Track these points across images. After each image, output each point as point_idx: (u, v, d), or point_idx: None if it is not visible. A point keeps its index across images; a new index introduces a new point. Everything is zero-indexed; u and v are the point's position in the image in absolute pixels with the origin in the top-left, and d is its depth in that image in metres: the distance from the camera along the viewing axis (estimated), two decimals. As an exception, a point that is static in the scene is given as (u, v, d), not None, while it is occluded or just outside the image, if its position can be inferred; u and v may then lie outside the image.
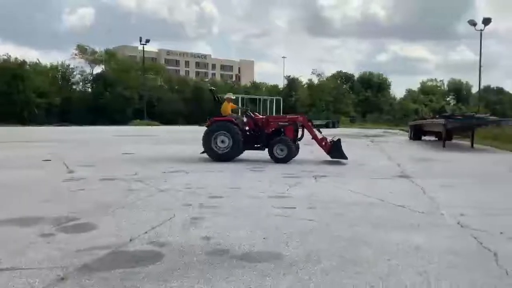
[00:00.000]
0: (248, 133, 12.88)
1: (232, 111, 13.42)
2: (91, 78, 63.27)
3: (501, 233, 4.98)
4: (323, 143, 12.51)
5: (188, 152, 14.93)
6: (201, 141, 12.64)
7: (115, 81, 58.37)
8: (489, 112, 36.75)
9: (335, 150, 12.34)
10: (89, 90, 62.78)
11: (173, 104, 60.06)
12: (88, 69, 63.46)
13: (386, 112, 70.09)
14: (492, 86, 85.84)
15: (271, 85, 78.15)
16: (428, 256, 4.17)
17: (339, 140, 12.57)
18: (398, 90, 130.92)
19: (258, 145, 12.74)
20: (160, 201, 6.68)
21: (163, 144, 19.98)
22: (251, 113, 13.41)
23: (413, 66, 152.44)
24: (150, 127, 44.59)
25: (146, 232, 4.83)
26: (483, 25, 32.32)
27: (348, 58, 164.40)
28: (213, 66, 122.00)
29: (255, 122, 13.00)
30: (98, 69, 64.94)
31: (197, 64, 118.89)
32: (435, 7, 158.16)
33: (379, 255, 4.17)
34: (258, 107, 64.03)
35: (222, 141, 12.33)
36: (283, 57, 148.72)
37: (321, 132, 12.90)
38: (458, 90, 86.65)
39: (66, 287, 3.40)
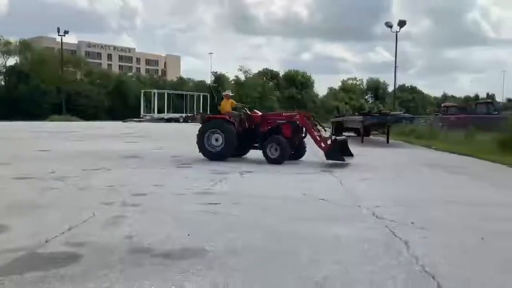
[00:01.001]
0: (248, 132, 12.16)
1: (234, 108, 12.71)
2: (4, 70, 58.91)
3: (412, 222, 5.34)
4: (322, 144, 11.37)
5: (111, 149, 14.42)
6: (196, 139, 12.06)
7: (30, 74, 54.80)
8: (403, 110, 39.19)
9: (333, 151, 11.23)
10: (2, 83, 58.44)
11: (94, 98, 57.58)
12: (0, 61, 59.06)
13: (310, 109, 72.32)
14: (406, 85, 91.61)
15: (198, 81, 77.58)
16: (346, 246, 4.38)
17: (342, 141, 11.92)
18: (321, 88, 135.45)
19: (256, 145, 12.08)
20: (79, 200, 6.39)
21: (84, 141, 19.10)
22: (247, 110, 12.68)
23: (334, 65, 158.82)
24: (69, 123, 42.43)
25: (63, 233, 4.60)
26: (398, 27, 34.37)
27: (273, 56, 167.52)
28: (138, 60, 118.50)
29: (250, 120, 12.27)
30: (12, 61, 60.65)
31: (121, 58, 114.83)
32: (354, 8, 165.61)
33: (301, 246, 4.31)
34: (185, 103, 63.41)
35: (216, 140, 11.82)
36: (210, 53, 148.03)
37: (325, 131, 12.33)
38: (376, 88, 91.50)
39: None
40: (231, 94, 13.23)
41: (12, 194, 6.74)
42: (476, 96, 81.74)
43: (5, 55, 59.40)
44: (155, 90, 61.36)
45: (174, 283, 3.37)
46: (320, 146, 11.42)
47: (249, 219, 5.38)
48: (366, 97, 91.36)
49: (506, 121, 16.07)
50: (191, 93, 66.39)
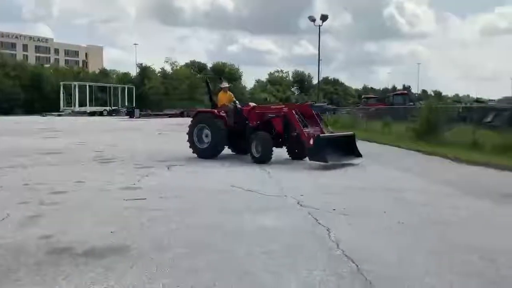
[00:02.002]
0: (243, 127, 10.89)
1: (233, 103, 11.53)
2: None
3: (334, 209, 5.57)
4: (310, 140, 9.56)
5: (28, 145, 13.57)
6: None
7: None
8: (327, 101, 40.61)
9: (314, 150, 9.51)
10: None
11: (8, 92, 53.73)
12: None
13: (239, 101, 72.63)
14: (330, 78, 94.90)
15: (122, 73, 74.96)
16: (273, 235, 4.47)
17: (330, 139, 9.99)
18: (248, 80, 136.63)
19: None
20: (-9, 200, 5.96)
21: (-3, 137, 17.78)
22: (237, 104, 11.48)
23: (261, 57, 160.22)
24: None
25: (-29, 236, 4.27)
26: (321, 21, 35.40)
27: (200, 48, 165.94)
28: (56, 51, 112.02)
29: (240, 114, 11.05)
30: None
31: (37, 49, 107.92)
32: (280, 2, 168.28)
33: (228, 238, 4.34)
34: (108, 96, 61.05)
35: (206, 136, 10.98)
36: (135, 44, 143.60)
37: (327, 126, 10.90)
38: (302, 81, 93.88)
39: None
40: (227, 85, 11.97)
41: None
42: (394, 88, 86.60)
43: None
44: (76, 83, 58.47)
45: (95, 282, 3.25)
46: (307, 144, 9.67)
47: (175, 214, 5.31)
48: (293, 89, 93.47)
49: (419, 111, 17.18)
50: (115, 85, 64.03)
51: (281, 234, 4.53)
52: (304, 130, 9.81)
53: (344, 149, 10.19)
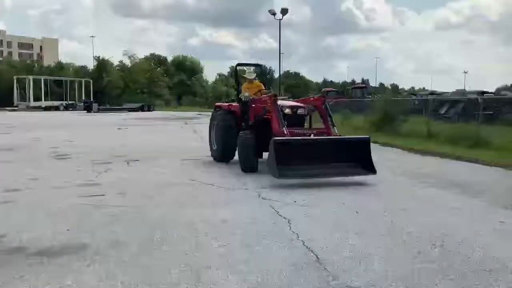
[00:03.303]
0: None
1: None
2: None
3: (295, 201, 5.65)
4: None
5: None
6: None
7: None
8: (288, 95, 40.77)
9: (268, 158, 6.98)
10: None
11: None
12: None
13: (200, 95, 72.05)
14: (291, 71, 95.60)
15: (79, 66, 72.73)
16: (233, 228, 4.49)
17: (279, 143, 6.80)
18: (210, 74, 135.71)
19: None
20: None
21: None
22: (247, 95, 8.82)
23: (222, 51, 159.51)
24: None
25: None
26: (281, 14, 35.53)
27: (159, 41, 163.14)
28: (9, 44, 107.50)
29: (245, 108, 8.82)
30: None
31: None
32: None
33: (187, 232, 4.32)
34: (65, 90, 59.14)
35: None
36: (92, 37, 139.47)
37: (332, 122, 7.87)
38: (263, 74, 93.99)
39: None
40: (253, 75, 9.75)
41: None
42: (353, 81, 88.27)
43: None
44: (30, 77, 56.29)
45: (51, 281, 3.17)
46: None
47: (134, 210, 5.24)
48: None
49: (377, 103, 17.62)
50: (71, 79, 62.06)
51: (242, 225, 4.56)
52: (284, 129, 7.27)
53: (344, 158, 7.11)
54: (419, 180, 7.34)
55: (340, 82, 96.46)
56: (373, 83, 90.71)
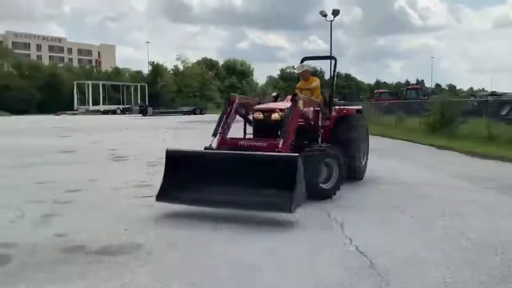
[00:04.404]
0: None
1: (321, 93, 7.40)
2: None
3: (343, 204, 5.56)
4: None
5: (42, 144, 13.74)
6: None
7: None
8: (339, 97, 40.21)
9: None
10: None
11: (24, 92, 54.33)
12: None
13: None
14: (341, 73, 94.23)
15: (134, 71, 75.38)
16: (284, 230, 4.47)
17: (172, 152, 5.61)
18: (260, 77, 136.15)
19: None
20: (7, 199, 6.05)
21: (13, 136, 18.00)
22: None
23: (271, 53, 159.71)
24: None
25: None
26: (332, 16, 35.15)
27: (211, 45, 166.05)
28: (70, 51, 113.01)
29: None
30: None
31: (51, 48, 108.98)
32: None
33: (240, 232, 4.35)
34: (121, 94, 61.47)
35: None
36: (147, 42, 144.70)
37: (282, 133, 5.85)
38: (314, 76, 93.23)
39: None
40: (303, 69, 7.66)
41: None
42: (407, 82, 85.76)
43: None
44: (89, 82, 58.97)
45: (108, 280, 3.29)
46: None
47: (188, 210, 5.33)
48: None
49: (433, 105, 17.01)
50: (128, 83, 64.41)
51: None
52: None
53: (260, 183, 4.96)
54: (478, 184, 7.01)
55: (394, 83, 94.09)
56: (428, 84, 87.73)
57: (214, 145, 5.80)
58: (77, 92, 57.29)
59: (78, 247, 4.03)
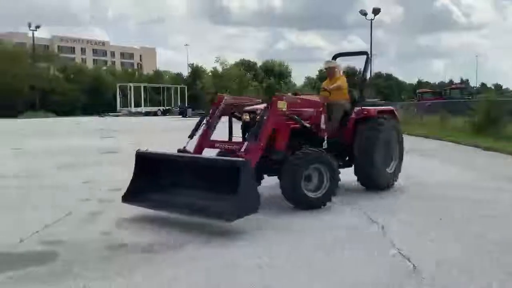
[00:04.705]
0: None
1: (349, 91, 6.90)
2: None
3: (383, 207, 5.44)
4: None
5: (87, 144, 14.19)
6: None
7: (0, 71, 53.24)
8: (379, 97, 39.58)
9: None
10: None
11: (69, 94, 56.45)
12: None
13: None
14: (382, 72, 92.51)
15: (175, 74, 76.80)
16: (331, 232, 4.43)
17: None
18: (298, 78, 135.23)
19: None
20: (55, 198, 6.29)
21: (59, 137, 18.67)
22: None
23: (310, 54, 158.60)
24: (43, 119, 41.53)
25: (37, 232, 4.52)
26: (373, 14, 34.63)
27: (249, 47, 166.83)
28: (112, 54, 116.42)
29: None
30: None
31: (95, 51, 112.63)
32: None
33: (286, 236, 4.34)
34: (162, 96, 62.74)
35: None
36: (186, 45, 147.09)
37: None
38: (353, 76, 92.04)
39: None
40: (331, 66, 6.98)
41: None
42: (450, 81, 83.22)
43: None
44: (131, 84, 60.51)
45: (153, 276, 3.37)
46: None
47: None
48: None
49: (478, 104, 16.42)
50: (168, 86, 65.66)
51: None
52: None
53: (214, 188, 4.90)
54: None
55: (436, 83, 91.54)
56: (473, 83, 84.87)
57: (189, 147, 5.68)
58: (119, 94, 58.91)
59: (123, 245, 4.13)
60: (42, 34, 77.06)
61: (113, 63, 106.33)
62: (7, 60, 53.83)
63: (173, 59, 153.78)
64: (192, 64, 70.63)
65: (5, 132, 21.98)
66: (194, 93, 63.62)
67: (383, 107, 7.34)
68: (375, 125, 6.50)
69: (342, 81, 6.72)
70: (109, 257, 3.80)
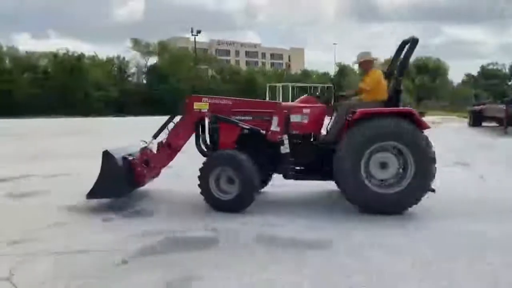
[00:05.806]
0: None
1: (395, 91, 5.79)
2: (145, 70, 64.97)
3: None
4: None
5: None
6: None
7: (168, 73, 59.64)
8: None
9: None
10: (144, 81, 64.54)
11: (226, 95, 60.61)
12: (142, 61, 65.17)
13: (444, 98, 67.27)
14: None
15: (321, 73, 77.24)
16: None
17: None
18: (456, 75, 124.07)
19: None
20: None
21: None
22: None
23: (469, 49, 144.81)
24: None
25: (201, 219, 5.00)
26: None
27: (398, 43, 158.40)
28: (263, 55, 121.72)
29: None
30: (151, 61, 66.45)
31: (247, 54, 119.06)
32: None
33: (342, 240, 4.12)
34: (308, 95, 63.62)
35: None
36: (334, 44, 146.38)
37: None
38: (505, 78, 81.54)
39: (129, 268, 3.62)
40: (365, 58, 6.02)
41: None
42: None
43: (146, 56, 65.18)
44: (280, 84, 62.58)
45: (302, 268, 3.53)
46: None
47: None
48: (510, 83, 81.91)
49: None
50: (314, 85, 66.32)
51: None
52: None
53: None
54: None
55: None
56: None
57: (152, 146, 5.95)
58: (269, 94, 61.42)
59: (273, 236, 4.35)
60: (201, 38, 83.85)
61: (263, 64, 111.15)
62: (173, 62, 59.90)
63: (320, 59, 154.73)
64: (339, 63, 70.21)
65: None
66: (341, 92, 63.19)
67: (391, 108, 5.51)
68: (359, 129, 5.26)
69: (370, 79, 5.72)
70: (262, 247, 4.06)
